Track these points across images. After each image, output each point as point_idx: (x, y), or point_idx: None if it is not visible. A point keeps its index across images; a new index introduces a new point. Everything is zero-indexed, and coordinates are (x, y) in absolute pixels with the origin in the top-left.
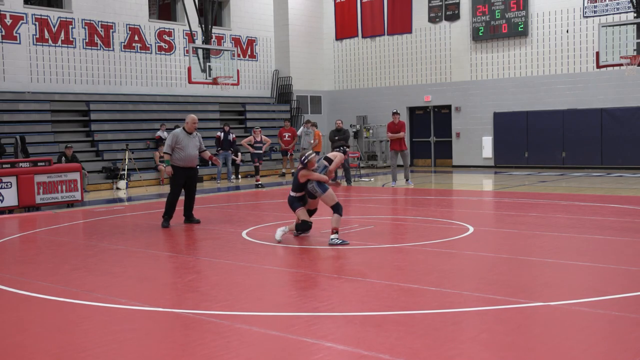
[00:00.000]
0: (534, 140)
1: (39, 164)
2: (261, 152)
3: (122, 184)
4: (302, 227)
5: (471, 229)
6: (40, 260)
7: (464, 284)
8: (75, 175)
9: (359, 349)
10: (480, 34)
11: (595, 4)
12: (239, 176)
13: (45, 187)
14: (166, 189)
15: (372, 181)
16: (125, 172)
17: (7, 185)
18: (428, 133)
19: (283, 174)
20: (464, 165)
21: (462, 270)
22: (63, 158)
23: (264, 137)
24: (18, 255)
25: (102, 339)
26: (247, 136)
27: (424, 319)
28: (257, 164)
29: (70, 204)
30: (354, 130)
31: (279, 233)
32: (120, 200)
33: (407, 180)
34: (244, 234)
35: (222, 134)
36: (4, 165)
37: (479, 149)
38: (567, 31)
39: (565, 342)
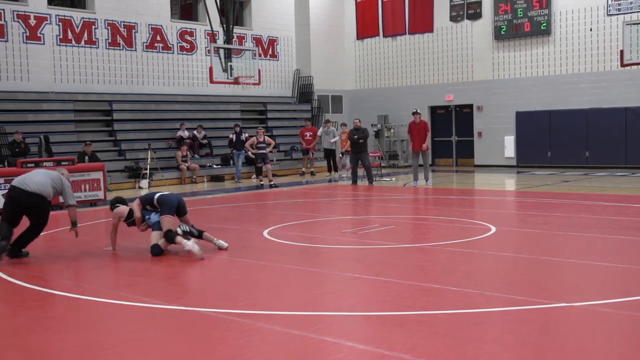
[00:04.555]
0: (556, 139)
1: (62, 163)
2: (264, 152)
3: (144, 183)
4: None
5: (493, 229)
6: (63, 258)
7: (486, 284)
8: (98, 175)
9: (380, 348)
10: (502, 32)
11: (619, 2)
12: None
13: None
14: (187, 188)
15: (393, 181)
16: (148, 172)
17: None
18: (450, 132)
19: (303, 173)
20: (486, 165)
21: (484, 271)
22: (85, 157)
23: (267, 137)
24: (42, 253)
25: (124, 337)
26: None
27: (445, 320)
28: (260, 165)
29: (93, 203)
30: (375, 129)
31: (193, 247)
32: None
33: (426, 180)
34: (265, 233)
35: (234, 135)
36: (28, 165)
37: (501, 149)
38: (591, 29)
39: (590, 343)
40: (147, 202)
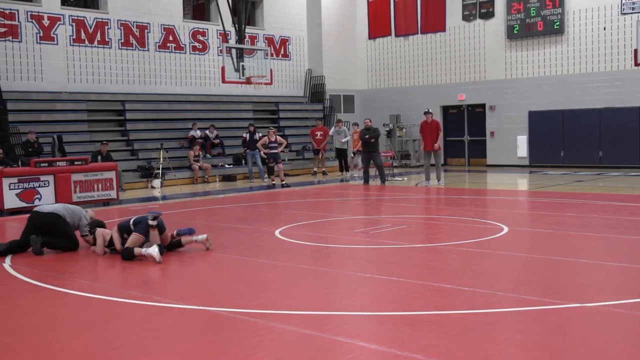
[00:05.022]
0: (569, 139)
1: (75, 163)
2: (276, 152)
3: (156, 182)
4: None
5: (506, 229)
6: (76, 257)
7: (499, 285)
8: (111, 174)
9: (392, 348)
10: (515, 31)
11: (633, 1)
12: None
13: (81, 186)
14: (199, 188)
15: (405, 180)
16: (160, 171)
17: (44, 184)
18: (462, 132)
19: (314, 173)
20: (498, 165)
21: (496, 271)
22: (99, 157)
23: (278, 137)
24: (54, 252)
25: (134, 336)
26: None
27: (457, 320)
28: (272, 164)
29: (106, 203)
30: (387, 129)
31: (156, 253)
32: (155, 199)
33: (438, 180)
34: (277, 232)
35: (248, 134)
36: (41, 164)
37: (514, 148)
38: (604, 28)
39: (602, 344)
40: (124, 230)
